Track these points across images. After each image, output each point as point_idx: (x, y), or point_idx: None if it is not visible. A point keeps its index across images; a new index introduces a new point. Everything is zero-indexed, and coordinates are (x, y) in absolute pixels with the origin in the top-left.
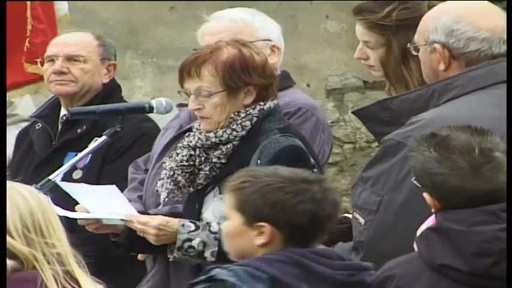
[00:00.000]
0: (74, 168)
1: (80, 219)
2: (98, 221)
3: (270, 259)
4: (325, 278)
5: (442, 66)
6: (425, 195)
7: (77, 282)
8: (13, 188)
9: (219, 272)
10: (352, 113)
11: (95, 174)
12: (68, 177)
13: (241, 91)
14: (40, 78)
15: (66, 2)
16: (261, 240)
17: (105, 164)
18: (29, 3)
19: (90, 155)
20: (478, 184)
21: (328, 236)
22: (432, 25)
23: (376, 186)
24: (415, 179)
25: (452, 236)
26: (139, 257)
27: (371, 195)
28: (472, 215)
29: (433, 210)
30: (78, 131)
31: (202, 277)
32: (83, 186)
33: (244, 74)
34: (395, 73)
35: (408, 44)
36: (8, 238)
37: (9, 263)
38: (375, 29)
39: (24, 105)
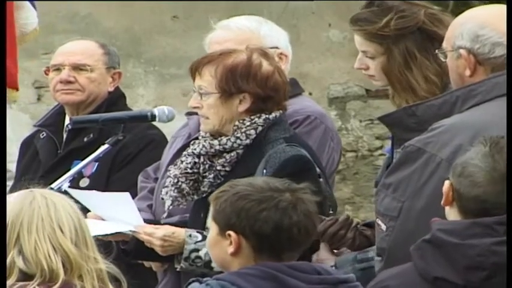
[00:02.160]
0: (80, 176)
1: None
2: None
3: (246, 273)
4: None
5: (467, 72)
6: (446, 182)
7: None
8: (54, 195)
9: (195, 286)
10: (378, 118)
11: (102, 182)
12: (74, 185)
13: (236, 97)
14: None
15: (35, 14)
16: (231, 249)
17: (112, 171)
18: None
19: (96, 163)
20: (498, 190)
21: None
22: (458, 31)
23: (397, 193)
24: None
25: (446, 249)
26: (154, 267)
27: (392, 201)
28: (466, 227)
29: (442, 203)
30: (85, 139)
31: None
32: (93, 193)
33: (242, 81)
34: (400, 80)
35: (436, 50)
36: (70, 246)
37: (61, 273)
38: (374, 38)
39: None
